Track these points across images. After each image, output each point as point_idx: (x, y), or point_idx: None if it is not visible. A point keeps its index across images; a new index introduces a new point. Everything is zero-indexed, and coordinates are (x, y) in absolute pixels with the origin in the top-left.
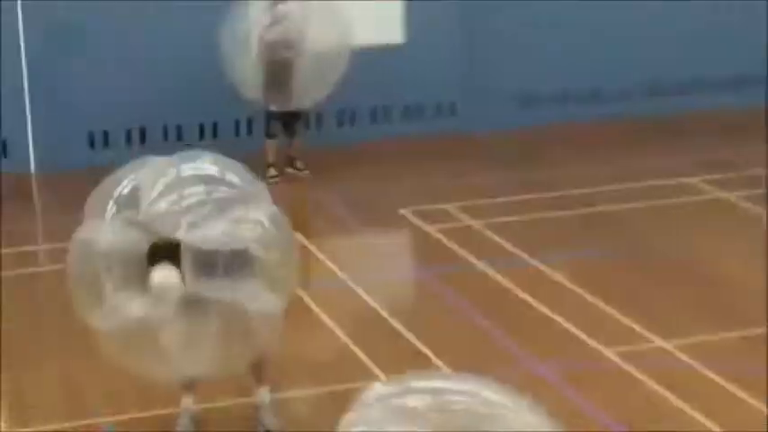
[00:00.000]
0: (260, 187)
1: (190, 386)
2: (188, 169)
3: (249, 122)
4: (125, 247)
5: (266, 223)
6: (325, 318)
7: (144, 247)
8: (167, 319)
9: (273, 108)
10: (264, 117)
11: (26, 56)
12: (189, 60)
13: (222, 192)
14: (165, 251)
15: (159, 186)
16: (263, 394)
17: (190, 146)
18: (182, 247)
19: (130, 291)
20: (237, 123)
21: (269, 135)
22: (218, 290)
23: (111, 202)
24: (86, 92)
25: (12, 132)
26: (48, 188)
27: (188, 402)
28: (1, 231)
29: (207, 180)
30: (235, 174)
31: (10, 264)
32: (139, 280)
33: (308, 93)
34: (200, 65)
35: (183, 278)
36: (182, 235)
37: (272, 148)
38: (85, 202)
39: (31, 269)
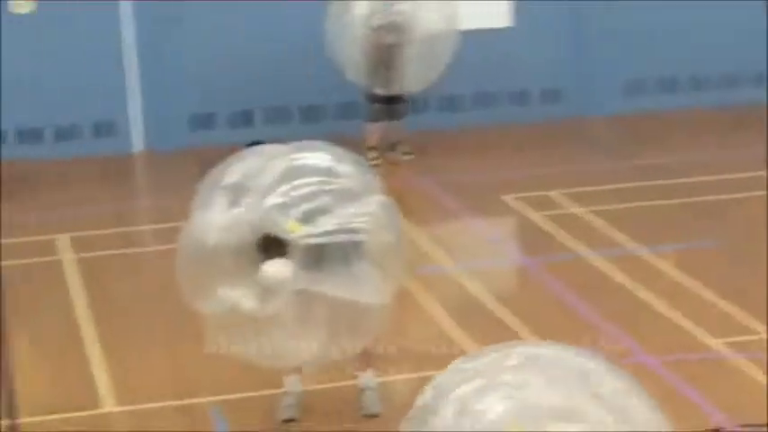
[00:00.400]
0: (371, 177)
1: (295, 368)
2: (301, 159)
3: (352, 105)
4: (235, 241)
5: (378, 214)
6: (427, 303)
7: (254, 239)
8: (277, 312)
9: (378, 92)
10: (368, 100)
11: (132, 39)
12: (293, 43)
13: (335, 183)
14: (277, 243)
15: (271, 176)
16: (368, 378)
17: (292, 128)
18: (292, 243)
19: (240, 283)
20: (340, 106)
21: (372, 119)
22: (329, 283)
23: (220, 191)
24: (190, 74)
25: (117, 113)
26: (152, 169)
27: (292, 383)
28: (106, 212)
29: (320, 171)
30: (348, 164)
31: (115, 244)
32: (249, 273)
33: (414, 77)
34: (305, 47)
35: (293, 271)
36: (291, 228)
37: (374, 131)
38: (189, 183)
39: (136, 249)
